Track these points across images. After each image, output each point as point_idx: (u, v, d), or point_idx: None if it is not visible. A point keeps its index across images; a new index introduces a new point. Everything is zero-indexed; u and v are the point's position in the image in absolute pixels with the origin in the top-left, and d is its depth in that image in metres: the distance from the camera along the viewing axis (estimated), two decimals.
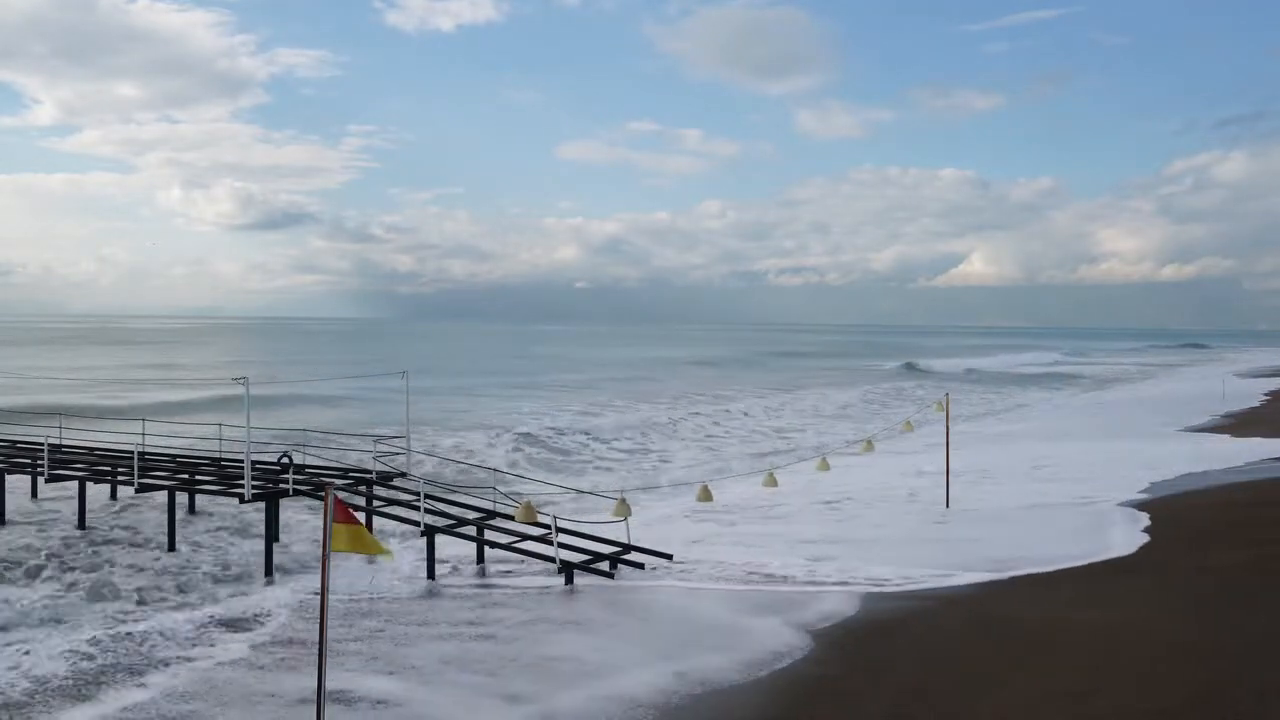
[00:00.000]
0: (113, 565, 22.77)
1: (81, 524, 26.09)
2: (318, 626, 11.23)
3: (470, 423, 53.31)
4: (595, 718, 13.23)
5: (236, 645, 16.77)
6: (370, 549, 11.23)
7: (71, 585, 21.01)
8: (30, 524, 26.86)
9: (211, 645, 16.78)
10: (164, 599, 20.27)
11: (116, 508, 28.47)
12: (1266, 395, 72.28)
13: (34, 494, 29.14)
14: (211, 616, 18.62)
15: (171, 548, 24.22)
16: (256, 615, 18.75)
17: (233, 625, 18.13)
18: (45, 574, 21.90)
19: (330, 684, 14.59)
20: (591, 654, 16.08)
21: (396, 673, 15.21)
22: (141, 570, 22.46)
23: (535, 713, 13.49)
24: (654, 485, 35.05)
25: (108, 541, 25.06)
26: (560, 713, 13.45)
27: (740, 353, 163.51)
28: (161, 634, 17.31)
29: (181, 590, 21.02)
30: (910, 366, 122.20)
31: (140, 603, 19.92)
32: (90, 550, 24.04)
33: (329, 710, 13.64)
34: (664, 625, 17.96)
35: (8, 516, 27.10)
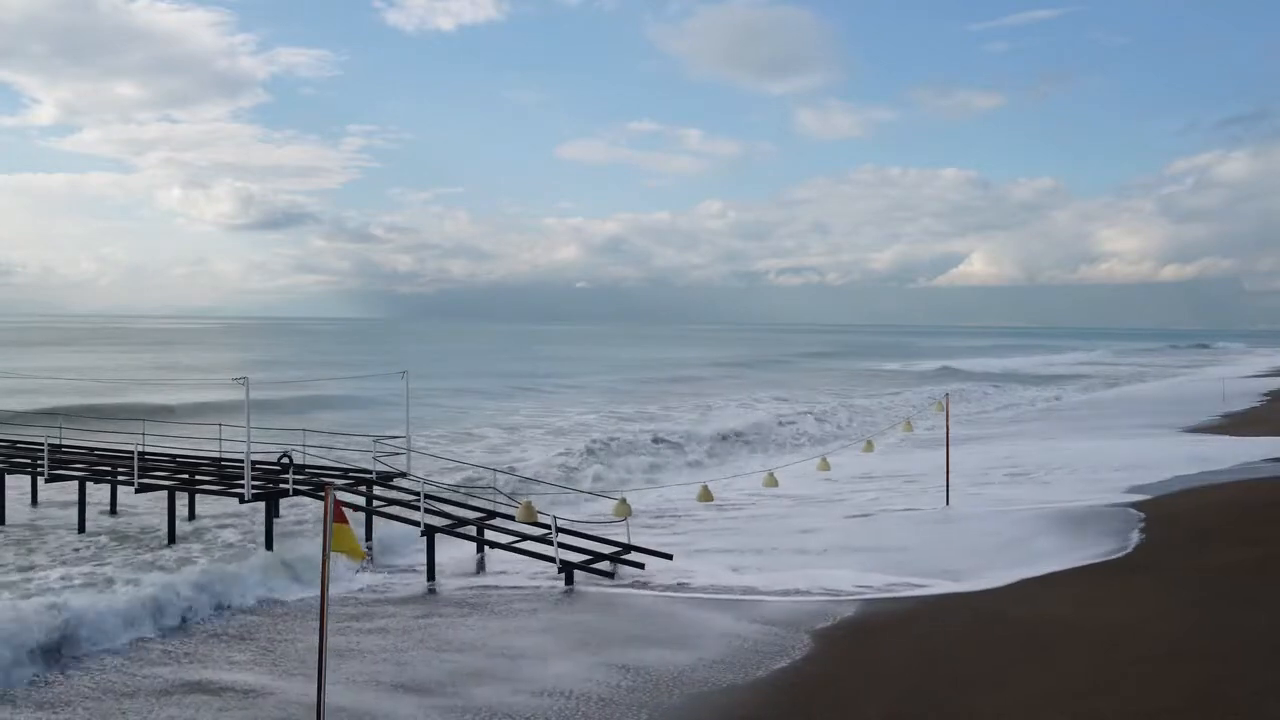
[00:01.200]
0: (98, 560, 22.81)
1: (81, 523, 26.09)
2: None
3: (514, 424, 53.30)
4: (519, 710, 13.49)
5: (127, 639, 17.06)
6: (348, 549, 11.19)
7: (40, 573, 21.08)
8: (29, 524, 26.91)
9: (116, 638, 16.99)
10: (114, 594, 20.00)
11: (118, 514, 28.48)
12: (1266, 395, 72.23)
13: (34, 494, 29.15)
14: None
15: (171, 542, 24.31)
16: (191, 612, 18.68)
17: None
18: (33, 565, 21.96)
19: (197, 675, 15.18)
20: (532, 648, 16.35)
21: (276, 666, 15.70)
22: (115, 563, 22.48)
23: (439, 704, 13.77)
24: (655, 485, 35.03)
25: (103, 539, 25.14)
26: (480, 707, 13.65)
27: (757, 354, 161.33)
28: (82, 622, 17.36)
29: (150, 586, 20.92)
30: (947, 369, 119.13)
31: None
32: (85, 546, 24.09)
33: (191, 698, 14.08)
34: (636, 626, 17.96)
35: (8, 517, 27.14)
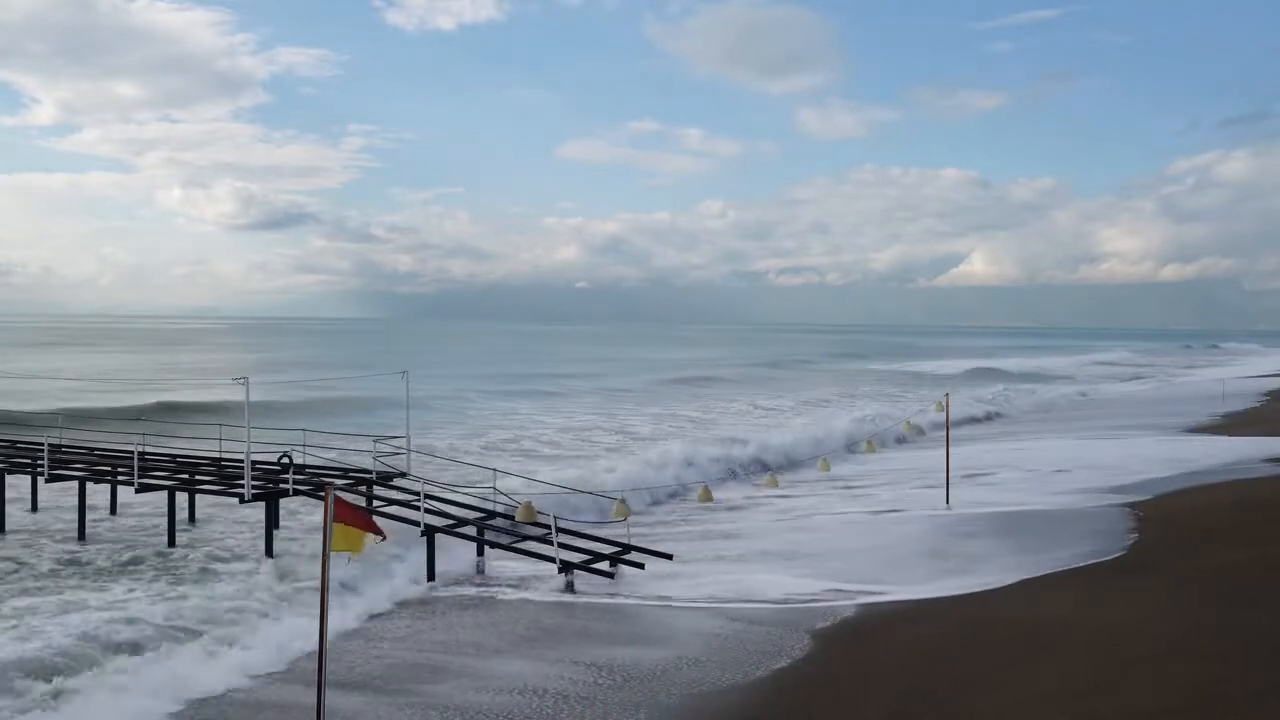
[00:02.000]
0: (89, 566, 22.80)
1: (81, 524, 26.03)
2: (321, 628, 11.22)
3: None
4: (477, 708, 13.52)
5: None
6: (352, 546, 11.19)
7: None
8: (29, 528, 26.87)
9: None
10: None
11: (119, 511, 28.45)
12: (1266, 395, 72.16)
13: (34, 494, 29.09)
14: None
15: (171, 544, 24.29)
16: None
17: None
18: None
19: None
20: (528, 649, 16.44)
21: None
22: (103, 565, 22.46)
23: (422, 704, 13.66)
24: (657, 485, 35.01)
25: (105, 544, 25.13)
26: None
27: (773, 355, 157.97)
28: None
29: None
30: (985, 370, 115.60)
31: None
32: (85, 549, 24.10)
33: None
34: (631, 626, 17.97)
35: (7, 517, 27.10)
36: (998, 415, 61.92)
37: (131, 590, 20.46)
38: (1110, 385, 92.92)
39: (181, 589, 20.38)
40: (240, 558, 23.56)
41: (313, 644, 16.45)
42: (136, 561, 23.12)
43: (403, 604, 19.68)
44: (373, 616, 18.69)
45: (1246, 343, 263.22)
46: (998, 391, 75.90)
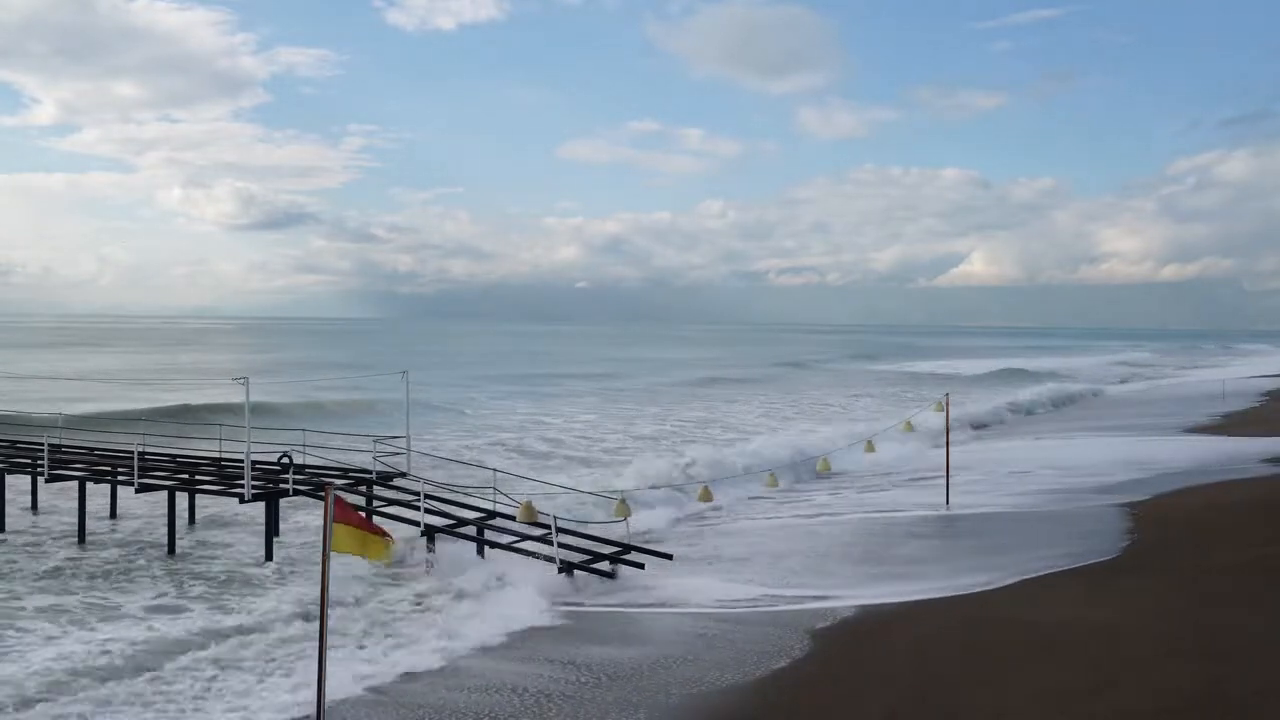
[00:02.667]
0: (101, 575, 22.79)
1: (81, 526, 26.02)
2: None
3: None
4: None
5: None
6: (371, 552, 11.25)
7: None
8: (27, 529, 26.85)
9: None
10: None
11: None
12: (1265, 395, 72.13)
13: (34, 495, 29.10)
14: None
15: (171, 551, 24.25)
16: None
17: None
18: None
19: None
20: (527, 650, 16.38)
21: None
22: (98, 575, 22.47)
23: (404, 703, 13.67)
24: (656, 485, 35.01)
25: (107, 547, 25.11)
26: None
27: (787, 355, 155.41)
28: None
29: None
30: (1012, 370, 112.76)
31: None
32: (87, 553, 24.09)
33: None
34: (628, 628, 17.98)
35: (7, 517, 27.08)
36: (1026, 414, 61.78)
37: (149, 596, 20.42)
38: (1110, 386, 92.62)
39: (205, 595, 20.41)
40: (255, 562, 23.57)
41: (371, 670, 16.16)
42: (142, 564, 23.11)
43: (406, 606, 19.66)
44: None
45: (1254, 343, 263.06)
46: (1033, 391, 73.40)
